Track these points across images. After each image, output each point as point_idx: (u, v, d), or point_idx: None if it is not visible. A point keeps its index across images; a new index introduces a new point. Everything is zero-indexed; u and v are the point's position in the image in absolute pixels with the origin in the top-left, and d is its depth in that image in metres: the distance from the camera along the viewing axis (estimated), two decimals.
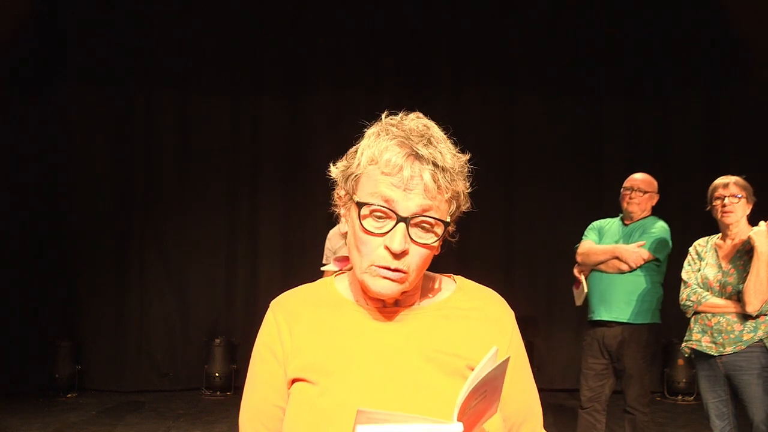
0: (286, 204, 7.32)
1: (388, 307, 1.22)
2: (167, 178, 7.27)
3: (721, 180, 3.53)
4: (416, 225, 1.15)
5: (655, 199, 4.19)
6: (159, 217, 7.25)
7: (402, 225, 1.13)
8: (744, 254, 3.43)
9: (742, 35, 6.55)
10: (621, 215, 4.26)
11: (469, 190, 1.21)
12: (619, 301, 4.02)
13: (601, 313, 4.09)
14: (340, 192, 1.22)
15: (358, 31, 7.33)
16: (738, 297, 3.38)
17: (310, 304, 1.25)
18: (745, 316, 3.35)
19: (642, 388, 4.01)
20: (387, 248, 1.14)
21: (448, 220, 1.17)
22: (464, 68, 7.33)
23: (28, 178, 7.04)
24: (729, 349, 3.39)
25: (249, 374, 1.27)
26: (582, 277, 4.25)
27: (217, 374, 6.92)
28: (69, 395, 6.75)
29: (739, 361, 3.37)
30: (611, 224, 4.27)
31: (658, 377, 6.65)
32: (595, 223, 4.34)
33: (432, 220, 1.15)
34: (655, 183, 4.21)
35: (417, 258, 1.16)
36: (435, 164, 1.14)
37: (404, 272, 1.15)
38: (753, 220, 3.47)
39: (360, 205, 1.15)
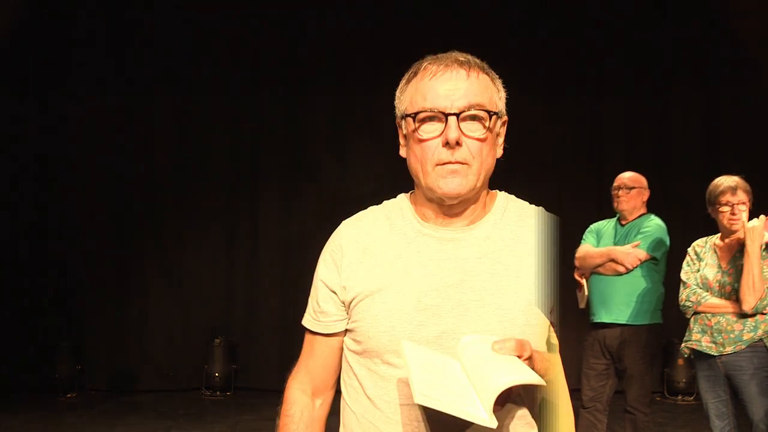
0: (286, 204, 7.32)
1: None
2: (167, 178, 7.27)
3: (726, 184, 3.46)
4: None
5: (645, 195, 4.16)
6: (159, 217, 7.25)
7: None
8: (742, 254, 3.43)
9: (743, 35, 6.54)
10: (617, 216, 4.26)
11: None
12: (619, 303, 4.01)
13: (602, 315, 4.08)
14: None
15: (358, 31, 7.33)
16: (737, 297, 3.37)
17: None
18: (744, 316, 3.35)
19: (642, 388, 4.01)
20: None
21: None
22: None
23: (29, 178, 7.05)
24: (729, 349, 3.38)
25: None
26: (583, 281, 4.25)
27: (217, 374, 6.91)
28: (69, 395, 6.74)
29: (739, 360, 3.37)
30: (608, 226, 4.25)
31: (658, 377, 6.63)
32: (593, 226, 4.33)
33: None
34: (643, 179, 4.18)
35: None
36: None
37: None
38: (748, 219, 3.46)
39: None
